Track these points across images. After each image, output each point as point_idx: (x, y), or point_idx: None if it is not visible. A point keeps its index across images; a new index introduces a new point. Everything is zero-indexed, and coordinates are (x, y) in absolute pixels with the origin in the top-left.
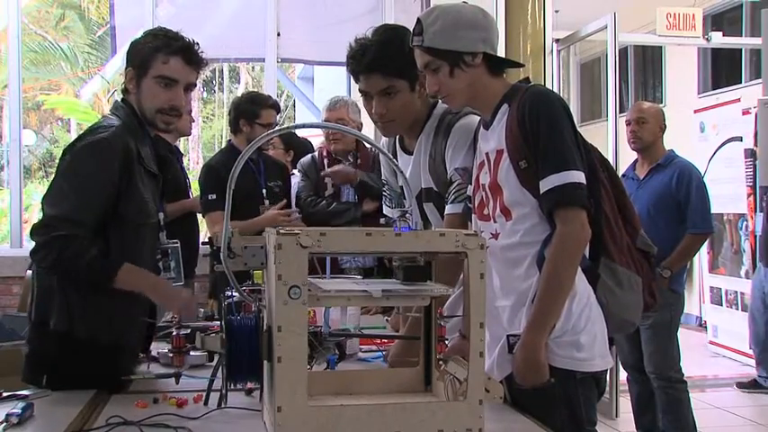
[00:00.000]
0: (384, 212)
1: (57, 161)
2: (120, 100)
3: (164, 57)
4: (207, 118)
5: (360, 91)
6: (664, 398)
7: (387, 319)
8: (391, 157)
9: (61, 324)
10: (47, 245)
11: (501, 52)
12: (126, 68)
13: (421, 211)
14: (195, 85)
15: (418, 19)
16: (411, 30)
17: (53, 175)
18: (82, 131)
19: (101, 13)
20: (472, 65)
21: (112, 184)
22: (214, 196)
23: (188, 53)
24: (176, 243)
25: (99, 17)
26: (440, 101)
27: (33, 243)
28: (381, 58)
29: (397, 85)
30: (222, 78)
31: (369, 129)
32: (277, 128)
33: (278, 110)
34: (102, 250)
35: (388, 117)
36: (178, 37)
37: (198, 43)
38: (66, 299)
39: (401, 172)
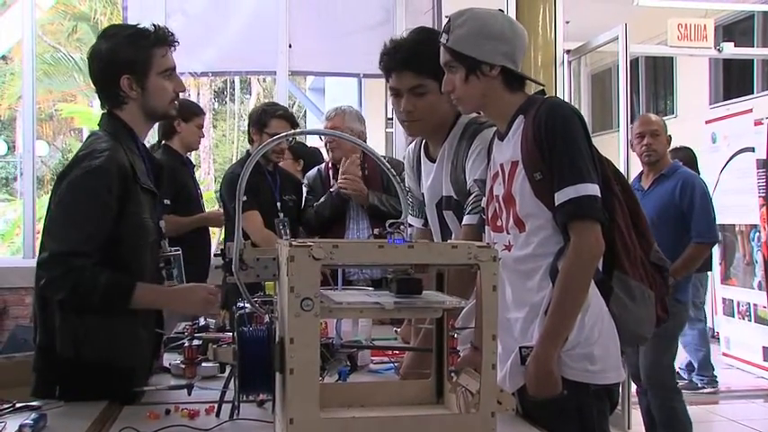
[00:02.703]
0: (409, 221)
1: None
2: (106, 113)
3: (161, 50)
4: (223, 137)
5: (390, 89)
6: (658, 405)
7: (396, 330)
8: (388, 165)
9: (66, 350)
10: (57, 281)
11: None
12: (116, 78)
13: (441, 219)
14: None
15: (449, 17)
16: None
17: (51, 202)
18: (75, 154)
19: (126, 23)
20: (488, 75)
21: (111, 210)
22: (245, 198)
23: (172, 40)
24: (178, 251)
25: None
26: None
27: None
28: (414, 56)
29: (427, 84)
30: (233, 89)
31: (379, 141)
32: (279, 135)
33: (292, 122)
34: (110, 271)
35: (415, 116)
36: (157, 27)
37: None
38: (69, 324)
39: (398, 181)
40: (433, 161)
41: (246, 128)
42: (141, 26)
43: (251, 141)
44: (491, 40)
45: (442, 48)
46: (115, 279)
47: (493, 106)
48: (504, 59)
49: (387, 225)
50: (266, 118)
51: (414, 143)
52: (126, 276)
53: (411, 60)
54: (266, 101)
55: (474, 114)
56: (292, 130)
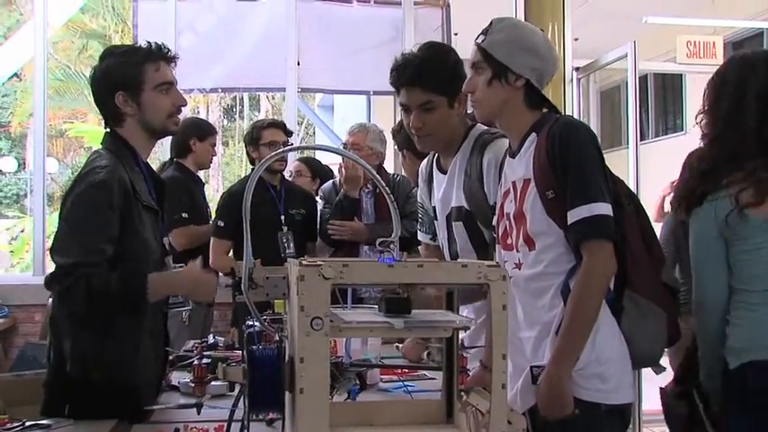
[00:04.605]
0: (419, 237)
1: None
2: (108, 132)
3: (154, 65)
4: (232, 155)
5: (400, 104)
6: None
7: (397, 347)
8: (383, 184)
9: (76, 370)
10: (71, 289)
11: None
12: (111, 96)
13: (449, 231)
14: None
15: (492, 20)
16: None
17: (58, 220)
18: (78, 172)
19: (124, 43)
20: (512, 85)
21: (113, 224)
22: (222, 224)
23: (167, 55)
24: (182, 267)
25: None
26: (478, 123)
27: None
28: (423, 72)
29: (435, 100)
30: (242, 106)
31: (389, 159)
32: (285, 148)
33: (285, 130)
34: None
35: (425, 131)
36: (150, 44)
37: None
38: (78, 345)
39: (391, 200)
40: (445, 173)
41: (245, 151)
42: (137, 44)
43: (252, 162)
44: (524, 52)
45: (475, 47)
46: (126, 274)
47: (508, 117)
48: (531, 74)
49: (377, 243)
50: (257, 132)
51: (426, 158)
52: (135, 269)
53: (420, 76)
54: (253, 120)
55: (485, 127)
56: (287, 143)
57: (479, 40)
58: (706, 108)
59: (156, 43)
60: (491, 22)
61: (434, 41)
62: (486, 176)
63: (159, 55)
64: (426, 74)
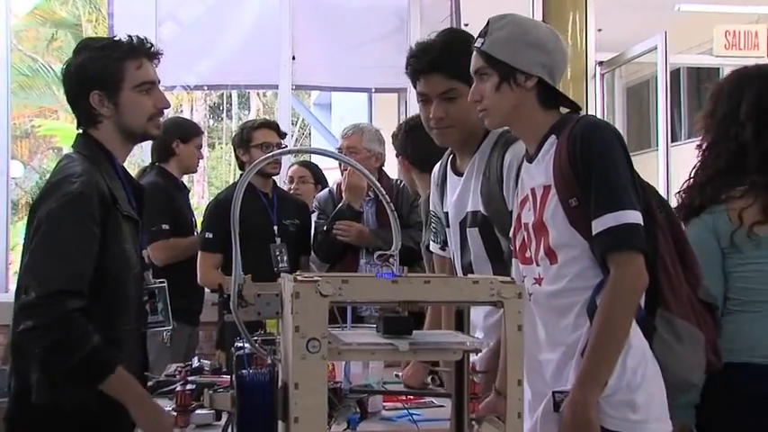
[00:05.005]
0: (431, 248)
1: None
2: (81, 134)
3: (136, 62)
4: (219, 158)
5: (418, 94)
6: None
7: (397, 375)
8: (383, 192)
9: (43, 398)
10: (42, 329)
11: None
12: (85, 95)
13: (462, 239)
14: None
15: (488, 20)
16: (473, 36)
17: (26, 237)
18: (48, 179)
19: (98, 34)
20: (522, 86)
21: (96, 239)
22: (211, 235)
23: (151, 51)
24: (163, 283)
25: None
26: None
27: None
28: (444, 58)
29: (458, 88)
30: (230, 104)
31: (392, 163)
32: (277, 150)
33: (278, 131)
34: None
35: (447, 122)
36: (133, 39)
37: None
38: (48, 371)
39: (391, 209)
40: (461, 175)
41: (234, 155)
42: (117, 38)
43: (241, 166)
44: (531, 48)
45: (474, 53)
46: (102, 349)
47: (523, 122)
48: (541, 71)
49: (375, 257)
50: (248, 133)
51: (440, 162)
52: (113, 351)
53: (440, 62)
54: (243, 121)
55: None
56: (281, 145)
57: (478, 44)
58: (704, 117)
59: (138, 37)
60: (488, 22)
61: (452, 28)
62: (507, 178)
63: (142, 51)
64: (448, 59)
